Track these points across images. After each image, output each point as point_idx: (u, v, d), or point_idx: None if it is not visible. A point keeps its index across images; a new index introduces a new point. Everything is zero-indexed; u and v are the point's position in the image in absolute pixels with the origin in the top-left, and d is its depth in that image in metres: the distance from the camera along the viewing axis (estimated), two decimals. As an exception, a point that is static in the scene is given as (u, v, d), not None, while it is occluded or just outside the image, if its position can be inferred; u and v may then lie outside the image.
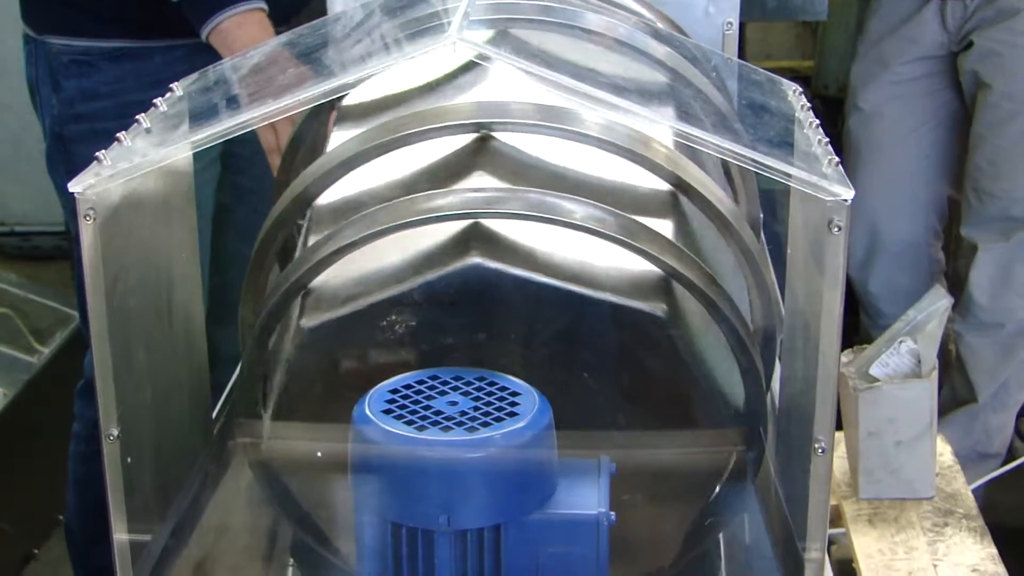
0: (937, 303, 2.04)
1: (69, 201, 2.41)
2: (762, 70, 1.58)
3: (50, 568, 3.02)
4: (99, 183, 1.17)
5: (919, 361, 2.00)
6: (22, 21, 2.39)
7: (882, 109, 3.09)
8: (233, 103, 1.33)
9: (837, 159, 1.22)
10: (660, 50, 1.63)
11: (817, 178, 1.18)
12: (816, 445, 1.23)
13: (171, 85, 1.39)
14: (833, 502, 2.01)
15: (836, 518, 2.04)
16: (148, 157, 1.21)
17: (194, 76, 1.43)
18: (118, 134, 1.25)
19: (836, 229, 1.17)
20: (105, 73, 2.32)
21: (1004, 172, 2.96)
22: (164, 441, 1.37)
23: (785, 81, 1.51)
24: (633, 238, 1.31)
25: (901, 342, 2.00)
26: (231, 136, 1.23)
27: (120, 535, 1.25)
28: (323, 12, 2.11)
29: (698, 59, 1.69)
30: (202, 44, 2.19)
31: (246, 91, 1.39)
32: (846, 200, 1.16)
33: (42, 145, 2.42)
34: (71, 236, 3.83)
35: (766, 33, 4.58)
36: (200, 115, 1.31)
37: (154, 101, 1.34)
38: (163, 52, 2.31)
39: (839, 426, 1.94)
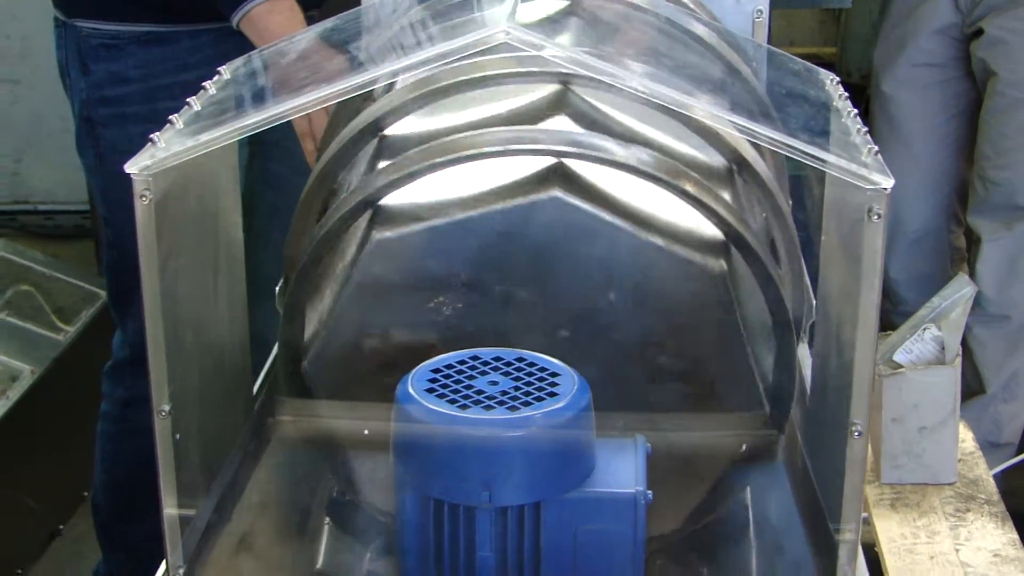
0: (961, 291, 2.06)
1: (97, 183, 2.44)
2: (797, 58, 1.59)
3: (75, 544, 3.04)
4: (154, 165, 1.20)
5: (943, 348, 2.02)
6: (53, 4, 2.40)
7: (902, 92, 3.10)
8: (279, 90, 1.35)
9: (876, 148, 1.24)
10: (705, 34, 1.64)
11: (857, 166, 1.20)
12: (852, 428, 1.26)
13: (219, 68, 1.41)
14: (856, 486, 2.02)
15: (858, 502, 2.05)
16: (200, 140, 1.23)
17: (240, 60, 1.45)
18: (170, 116, 1.27)
19: (876, 217, 1.19)
20: (133, 57, 2.32)
21: (1008, 160, 2.96)
22: (209, 418, 1.40)
23: (821, 70, 1.53)
24: (689, 185, 1.32)
25: (925, 329, 2.02)
26: (278, 123, 1.26)
27: (170, 509, 1.28)
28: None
29: (741, 47, 1.70)
30: (229, 28, 2.19)
31: (291, 78, 1.41)
32: (886, 189, 1.19)
33: (65, 124, 2.42)
34: (95, 215, 3.85)
35: (789, 20, 4.58)
36: (247, 101, 1.33)
37: (203, 84, 1.36)
38: (191, 36, 2.32)
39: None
